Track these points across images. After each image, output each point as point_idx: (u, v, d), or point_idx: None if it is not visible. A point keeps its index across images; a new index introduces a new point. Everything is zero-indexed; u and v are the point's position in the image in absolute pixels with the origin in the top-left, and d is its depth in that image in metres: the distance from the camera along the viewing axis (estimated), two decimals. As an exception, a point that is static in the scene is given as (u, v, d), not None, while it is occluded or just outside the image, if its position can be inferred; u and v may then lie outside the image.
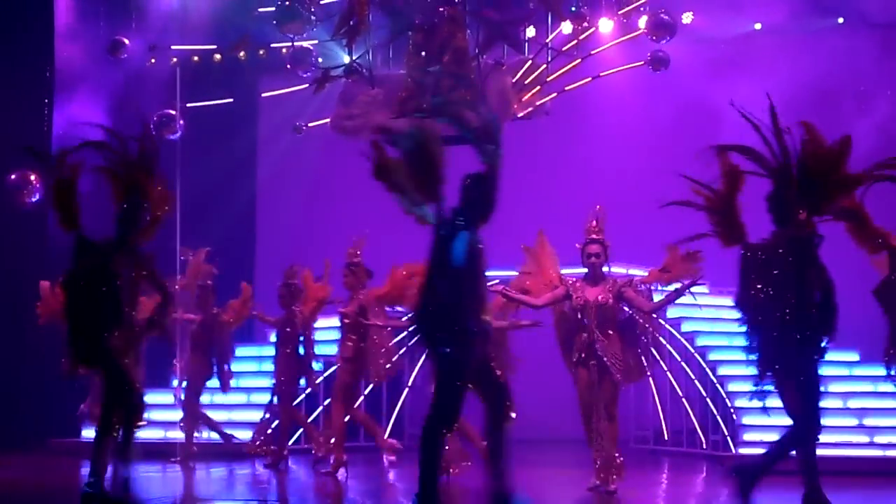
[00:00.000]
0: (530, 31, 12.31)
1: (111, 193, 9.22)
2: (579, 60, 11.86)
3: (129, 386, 8.76)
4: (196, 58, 14.31)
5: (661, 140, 13.13)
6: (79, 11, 15.73)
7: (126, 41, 14.91)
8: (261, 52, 13.67)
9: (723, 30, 14.41)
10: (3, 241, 14.98)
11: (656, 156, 14.82)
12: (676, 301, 10.23)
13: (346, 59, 11.63)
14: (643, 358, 10.06)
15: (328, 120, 12.08)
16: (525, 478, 12.01)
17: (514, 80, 11.62)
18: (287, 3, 11.26)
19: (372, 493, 11.12)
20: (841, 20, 15.61)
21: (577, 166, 15.61)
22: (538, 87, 11.82)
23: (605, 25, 12.04)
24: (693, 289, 14.80)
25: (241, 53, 12.34)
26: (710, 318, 14.60)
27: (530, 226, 11.03)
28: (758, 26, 15.70)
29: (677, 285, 9.66)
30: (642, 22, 12.13)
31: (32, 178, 14.32)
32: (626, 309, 10.01)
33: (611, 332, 9.97)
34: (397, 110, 11.51)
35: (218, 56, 13.15)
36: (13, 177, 14.23)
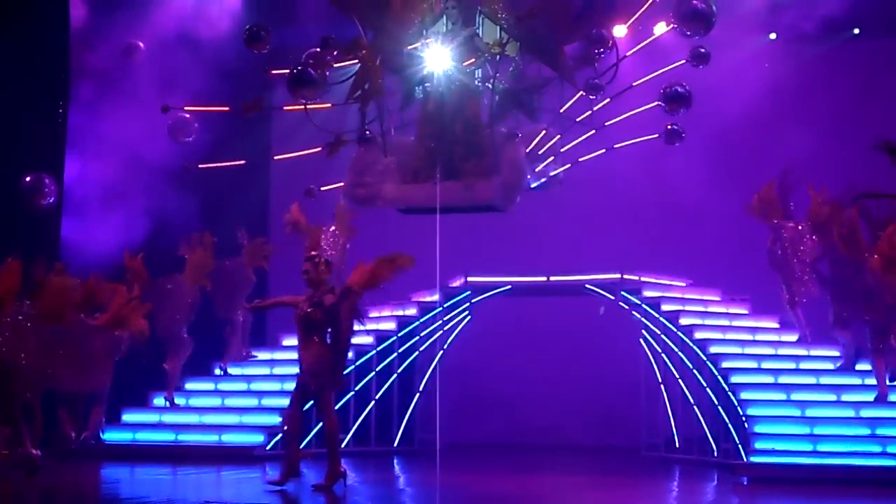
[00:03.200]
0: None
1: None
2: (593, 132, 11.85)
3: None
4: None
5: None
6: (94, 14, 15.77)
7: (140, 44, 14.98)
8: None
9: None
10: (16, 243, 15.01)
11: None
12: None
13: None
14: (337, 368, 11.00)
15: (341, 184, 12.08)
16: (530, 483, 12.02)
17: (527, 150, 11.61)
18: (299, 67, 11.27)
19: (382, 499, 11.11)
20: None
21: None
22: (552, 158, 11.81)
23: (619, 30, 11.98)
24: (705, 296, 14.94)
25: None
26: (722, 325, 14.57)
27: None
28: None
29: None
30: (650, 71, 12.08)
31: (46, 180, 14.39)
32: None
33: (316, 339, 10.89)
34: (410, 179, 11.55)
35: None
36: (28, 179, 14.30)
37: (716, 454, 13.69)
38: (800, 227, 13.87)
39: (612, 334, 16.03)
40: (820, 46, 15.90)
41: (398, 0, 11.59)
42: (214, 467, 12.89)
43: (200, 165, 13.20)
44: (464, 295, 15.54)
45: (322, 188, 12.52)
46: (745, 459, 12.45)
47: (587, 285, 15.00)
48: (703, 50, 11.52)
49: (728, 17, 13.80)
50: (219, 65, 15.25)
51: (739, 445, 12.98)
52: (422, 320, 15.55)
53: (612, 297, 14.93)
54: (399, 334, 15.42)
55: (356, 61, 11.42)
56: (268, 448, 13.87)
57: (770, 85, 15.81)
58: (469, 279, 15.42)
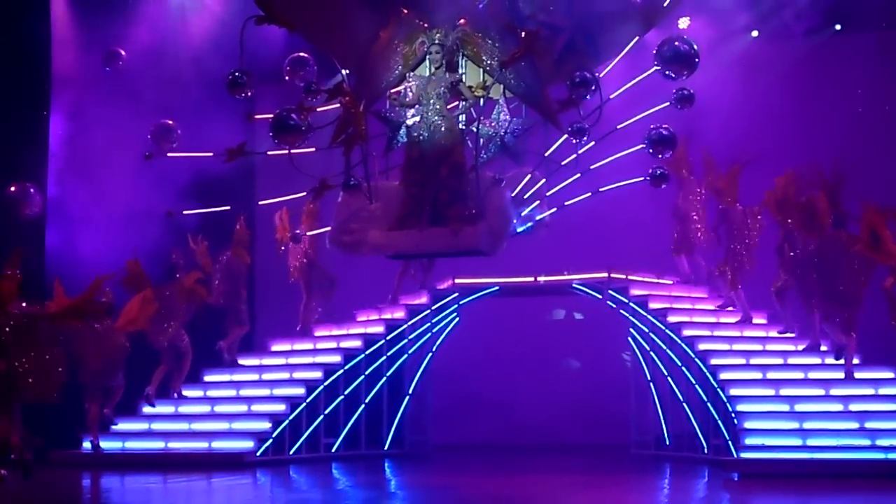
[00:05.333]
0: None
1: None
2: (578, 175, 11.87)
3: None
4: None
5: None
6: (76, 21, 15.73)
7: (122, 52, 14.93)
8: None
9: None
10: (1, 252, 14.96)
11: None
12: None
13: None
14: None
15: (326, 229, 12.07)
16: (521, 484, 12.02)
17: (513, 195, 11.61)
18: (282, 113, 11.26)
19: (374, 503, 11.10)
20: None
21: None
22: (537, 202, 11.83)
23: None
24: (693, 294, 15.00)
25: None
26: (710, 322, 14.60)
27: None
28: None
29: None
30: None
31: (31, 190, 14.35)
32: None
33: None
34: (395, 226, 11.55)
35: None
36: (13, 188, 14.26)
37: (706, 451, 13.72)
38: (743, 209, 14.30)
39: (601, 333, 16.08)
40: (803, 43, 15.93)
41: (381, 43, 11.61)
42: (205, 474, 12.86)
43: (185, 212, 13.27)
44: (452, 297, 15.55)
45: (308, 233, 12.45)
46: (735, 455, 12.48)
47: (574, 285, 15.03)
48: (686, 91, 11.55)
49: (710, 15, 13.93)
50: (204, 73, 15.24)
51: (729, 442, 13.00)
52: (410, 323, 15.55)
53: (600, 296, 14.95)
54: (387, 337, 15.41)
55: (339, 105, 11.42)
56: (258, 454, 13.85)
57: (752, 83, 15.85)
58: (457, 281, 15.42)
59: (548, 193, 11.89)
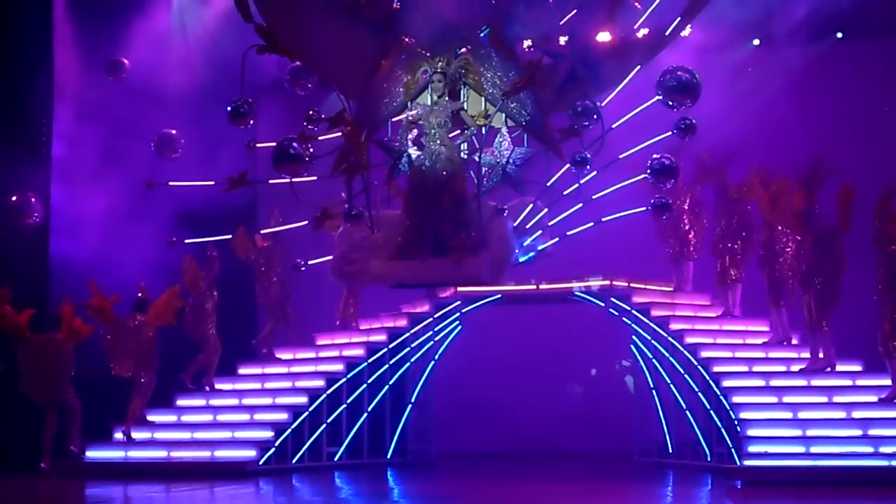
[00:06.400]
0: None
1: None
2: (581, 205, 11.89)
3: None
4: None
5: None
6: (78, 30, 15.74)
7: (125, 61, 14.95)
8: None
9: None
10: (3, 262, 14.98)
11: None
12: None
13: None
14: None
15: (329, 258, 12.10)
16: (524, 492, 12.01)
17: (515, 224, 11.62)
18: (283, 142, 11.29)
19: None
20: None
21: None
22: (539, 231, 11.84)
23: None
24: (695, 301, 15.01)
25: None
26: (713, 329, 14.58)
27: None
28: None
29: None
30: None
31: (33, 199, 14.37)
32: None
33: None
34: (397, 255, 11.54)
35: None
36: (14, 198, 14.28)
37: (709, 458, 13.70)
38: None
39: (603, 341, 16.06)
40: (805, 51, 15.94)
41: (382, 72, 11.62)
42: (207, 483, 12.86)
43: (186, 240, 13.33)
44: (454, 305, 15.54)
45: (309, 262, 12.52)
46: (738, 463, 12.46)
47: (576, 292, 15.01)
48: (688, 121, 11.58)
49: (713, 23, 13.94)
50: (205, 85, 15.25)
51: (732, 449, 12.99)
52: (412, 331, 15.54)
53: (602, 304, 14.94)
54: (390, 346, 15.40)
55: (340, 134, 11.44)
56: (261, 463, 13.84)
57: (752, 90, 15.86)
58: (459, 289, 15.42)
59: (550, 223, 11.91)
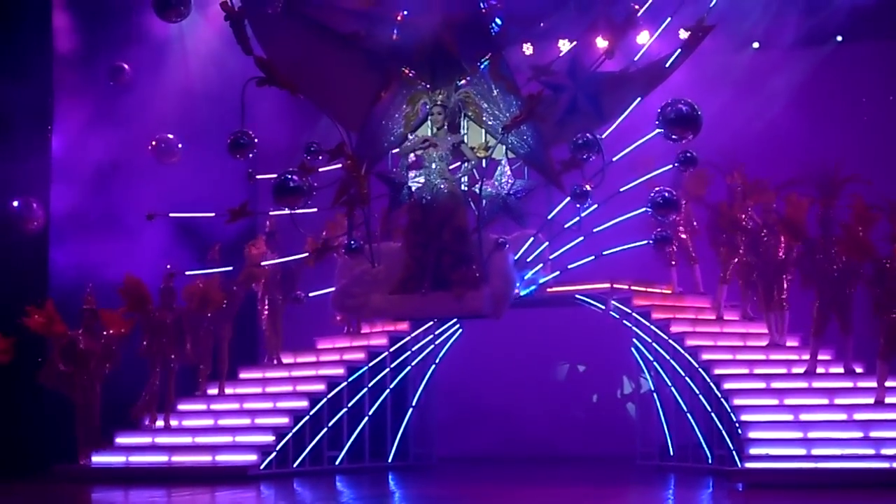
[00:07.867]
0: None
1: None
2: (582, 238, 11.89)
3: None
4: None
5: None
6: (78, 36, 15.76)
7: (126, 66, 14.97)
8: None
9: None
10: (3, 266, 14.99)
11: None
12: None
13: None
14: None
15: (330, 290, 12.12)
16: (525, 496, 12.00)
17: (516, 258, 11.61)
18: (284, 176, 11.32)
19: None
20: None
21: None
22: (540, 265, 11.84)
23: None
24: (696, 304, 14.99)
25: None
26: (714, 332, 14.58)
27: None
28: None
29: None
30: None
31: (34, 205, 14.39)
32: None
33: None
34: (398, 289, 11.53)
35: None
36: (16, 203, 14.29)
37: (710, 461, 13.69)
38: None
39: (604, 344, 16.05)
40: (804, 54, 15.96)
41: (382, 104, 11.61)
42: (208, 488, 12.85)
43: (187, 272, 13.37)
44: (455, 308, 15.51)
45: (310, 294, 12.57)
46: (739, 466, 12.46)
47: (577, 295, 15.00)
48: (689, 154, 11.57)
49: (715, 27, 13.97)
50: (206, 89, 15.28)
51: (734, 452, 12.98)
52: (413, 335, 15.54)
53: (603, 307, 14.93)
54: (391, 349, 15.40)
55: (340, 166, 11.45)
56: (262, 467, 13.83)
57: (753, 94, 15.87)
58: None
59: (551, 256, 11.92)
